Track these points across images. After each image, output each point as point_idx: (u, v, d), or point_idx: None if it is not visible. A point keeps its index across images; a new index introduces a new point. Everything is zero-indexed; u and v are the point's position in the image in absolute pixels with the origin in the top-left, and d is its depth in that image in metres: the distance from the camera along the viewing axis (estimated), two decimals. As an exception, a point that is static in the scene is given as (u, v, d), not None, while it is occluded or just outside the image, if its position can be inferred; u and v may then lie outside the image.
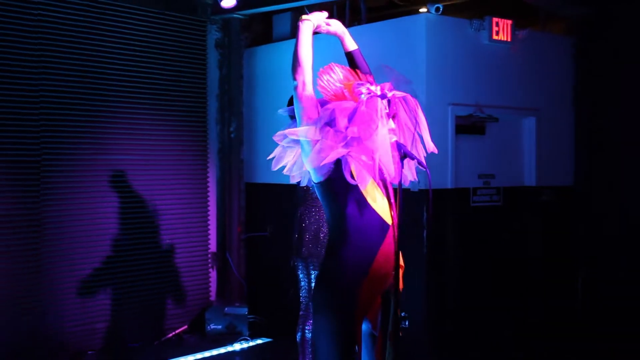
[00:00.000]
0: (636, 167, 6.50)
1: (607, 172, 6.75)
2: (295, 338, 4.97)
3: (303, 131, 3.07)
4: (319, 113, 3.12)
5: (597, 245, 6.76)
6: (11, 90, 5.70)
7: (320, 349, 3.11)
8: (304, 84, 3.15)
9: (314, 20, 3.32)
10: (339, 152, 2.99)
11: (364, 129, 2.98)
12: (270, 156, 3.36)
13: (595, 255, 6.76)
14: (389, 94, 3.10)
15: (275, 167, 3.37)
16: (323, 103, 3.17)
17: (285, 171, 3.37)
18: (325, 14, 3.39)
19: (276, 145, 3.33)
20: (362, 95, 3.06)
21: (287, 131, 3.16)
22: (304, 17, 3.30)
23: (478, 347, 6.01)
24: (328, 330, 3.07)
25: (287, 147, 3.27)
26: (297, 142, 3.17)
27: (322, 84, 3.18)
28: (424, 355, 5.69)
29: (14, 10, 5.70)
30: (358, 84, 3.12)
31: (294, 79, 3.17)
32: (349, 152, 3.00)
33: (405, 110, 3.17)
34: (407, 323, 5.70)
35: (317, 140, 3.03)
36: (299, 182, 3.47)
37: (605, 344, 6.22)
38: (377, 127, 2.99)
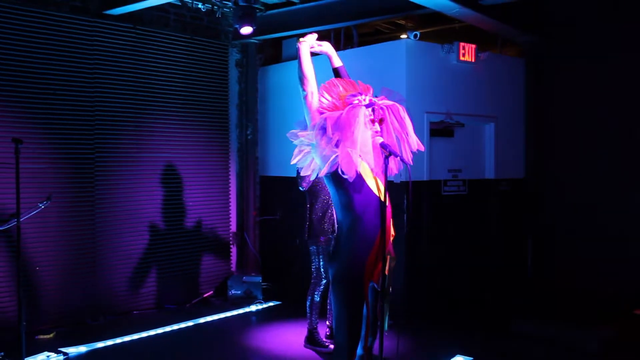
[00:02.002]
0: (572, 161, 6.65)
1: (550, 166, 6.86)
2: (305, 301, 5.05)
3: (307, 135, 3.22)
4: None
5: (542, 223, 6.90)
6: (72, 100, 5.85)
7: (337, 310, 3.21)
8: (312, 94, 3.25)
9: (309, 42, 3.44)
10: (333, 151, 3.11)
11: (344, 133, 3.08)
12: (294, 161, 3.40)
13: (541, 230, 6.91)
14: (375, 101, 3.19)
15: (294, 162, 3.41)
16: (324, 111, 3.25)
17: (303, 172, 3.42)
18: (315, 35, 3.50)
19: (286, 145, 3.41)
20: (351, 105, 3.15)
21: (299, 134, 3.30)
22: (301, 39, 3.44)
23: (445, 302, 6.19)
24: (341, 298, 3.15)
25: (302, 149, 3.34)
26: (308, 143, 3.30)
27: (322, 98, 3.26)
28: (400, 305, 5.73)
29: (75, 35, 5.86)
30: (351, 95, 3.18)
31: (303, 89, 3.26)
32: (339, 151, 3.09)
33: (391, 116, 3.23)
34: (390, 289, 5.75)
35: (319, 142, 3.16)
36: (309, 176, 3.50)
37: (548, 293, 6.51)
38: (355, 129, 3.07)
